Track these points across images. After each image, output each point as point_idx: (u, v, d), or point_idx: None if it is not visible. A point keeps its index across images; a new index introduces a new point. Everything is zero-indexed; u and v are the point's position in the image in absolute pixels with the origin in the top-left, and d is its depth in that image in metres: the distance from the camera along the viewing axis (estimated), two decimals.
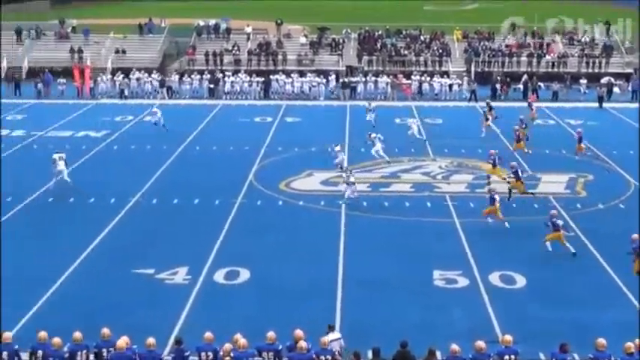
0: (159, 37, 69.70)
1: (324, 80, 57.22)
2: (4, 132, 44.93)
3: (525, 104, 49.44)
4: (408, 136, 41.93)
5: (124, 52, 66.43)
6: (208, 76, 58.20)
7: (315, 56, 64.73)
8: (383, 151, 38.00)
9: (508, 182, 32.08)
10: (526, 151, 39.09)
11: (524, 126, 41.45)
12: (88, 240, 27.46)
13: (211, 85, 56.92)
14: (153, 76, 57.93)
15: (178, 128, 45.15)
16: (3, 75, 62.63)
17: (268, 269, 25.07)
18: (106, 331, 17.48)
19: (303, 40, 67.09)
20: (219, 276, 24.55)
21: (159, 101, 54.75)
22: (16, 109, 52.24)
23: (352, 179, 31.63)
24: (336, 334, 17.99)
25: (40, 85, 56.44)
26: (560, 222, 26.53)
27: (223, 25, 69.74)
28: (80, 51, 65.59)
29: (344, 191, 31.59)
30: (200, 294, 23.30)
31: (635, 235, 23.80)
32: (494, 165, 34.14)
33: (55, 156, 34.15)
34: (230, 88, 56.98)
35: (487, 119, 44.28)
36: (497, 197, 29.00)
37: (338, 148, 36.68)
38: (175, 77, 58.68)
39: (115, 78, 57.72)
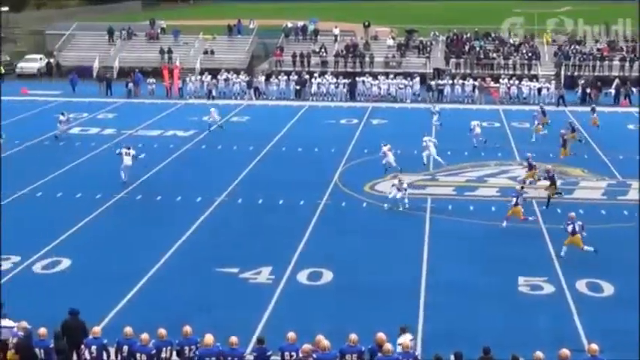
0: (247, 38, 70.35)
1: (411, 82, 56.97)
2: (95, 130, 45.88)
3: (588, 109, 48.21)
4: (471, 138, 41.61)
5: (212, 52, 67.25)
6: (295, 77, 58.50)
7: (402, 58, 64.56)
8: (436, 155, 37.64)
9: (545, 189, 31.86)
10: (569, 154, 38.62)
11: (571, 130, 40.85)
12: (173, 238, 27.86)
13: (297, 87, 57.18)
14: (241, 76, 58.44)
15: (265, 129, 45.51)
16: (95, 74, 64.02)
17: (351, 271, 25.06)
18: (187, 328, 17.70)
19: (390, 42, 66.95)
20: (303, 276, 24.63)
21: (246, 102, 55.30)
22: (106, 107, 53.34)
23: (405, 184, 31.49)
24: (408, 336, 17.88)
25: (130, 85, 57.48)
26: (577, 225, 26.02)
27: (311, 27, 70.05)
28: (170, 51, 66.65)
29: (393, 194, 31.38)
30: (283, 294, 23.41)
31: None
32: (530, 168, 34.06)
33: (123, 150, 34.95)
34: (316, 90, 57.17)
35: (539, 124, 43.62)
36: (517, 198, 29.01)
37: (386, 148, 36.47)
38: (262, 78, 59.12)
39: (203, 78, 58.42)
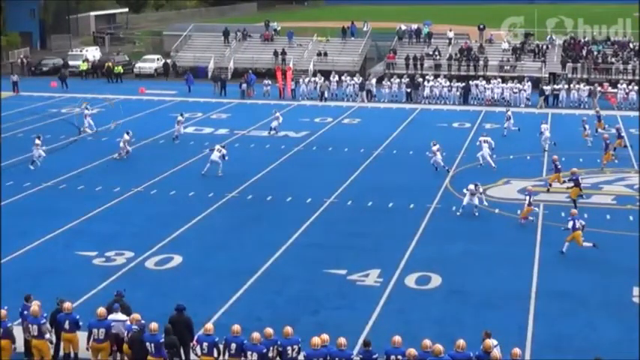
0: (361, 41, 70.46)
1: (525, 86, 56.11)
2: (209, 129, 46.65)
3: None
4: (541, 142, 40.97)
5: (325, 54, 67.63)
6: (407, 80, 58.32)
7: (517, 62, 63.67)
8: (490, 157, 37.69)
9: (567, 188, 32.15)
10: (612, 159, 37.82)
11: (617, 136, 39.98)
12: (283, 238, 28.12)
13: (409, 90, 56.98)
14: (354, 79, 58.57)
15: (376, 131, 45.53)
16: (210, 75, 65.14)
17: (460, 276, 24.84)
18: (288, 329, 17.85)
19: (505, 45, 66.11)
20: (411, 280, 24.53)
21: (358, 104, 55.41)
22: (220, 107, 54.21)
23: (481, 189, 31.12)
24: (493, 341, 17.62)
25: (244, 86, 58.25)
26: (579, 223, 26.54)
27: (425, 30, 69.75)
28: (283, 53, 67.29)
29: (467, 200, 30.95)
30: (391, 297, 23.36)
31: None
32: (556, 170, 33.96)
33: (216, 146, 36.34)
34: (429, 93, 56.86)
35: (585, 129, 42.41)
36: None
37: (435, 147, 36.81)
38: (374, 80, 59.10)
39: (316, 80, 58.76)
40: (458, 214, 30.92)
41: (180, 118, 44.30)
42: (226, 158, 36.70)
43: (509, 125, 44.89)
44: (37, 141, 38.16)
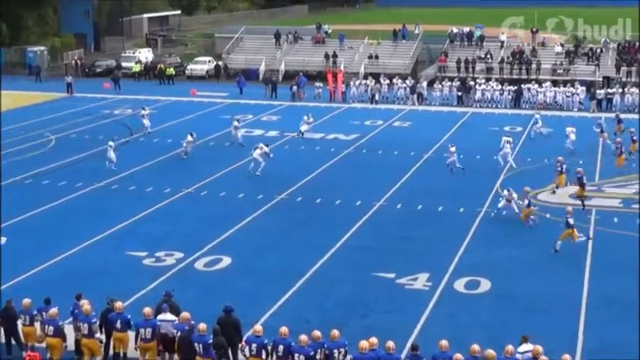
0: (412, 44, 70.30)
1: (578, 90, 55.52)
2: (259, 131, 46.85)
3: None
4: (568, 145, 40.72)
5: (376, 57, 67.59)
6: (458, 83, 58.05)
7: (570, 66, 63.04)
8: (510, 156, 38.18)
9: (577, 196, 32.37)
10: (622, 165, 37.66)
11: (631, 140, 39.68)
12: (332, 240, 28.14)
13: (460, 93, 56.70)
14: (405, 81, 58.43)
15: (426, 135, 45.39)
16: (261, 77, 65.41)
17: (510, 281, 24.68)
18: (335, 332, 17.86)
19: (558, 48, 65.50)
20: (460, 284, 24.42)
21: (409, 107, 55.28)
22: (271, 110, 54.42)
23: (514, 194, 30.77)
24: (529, 346, 17.46)
25: (294, 88, 58.39)
26: (571, 220, 27.18)
27: (477, 33, 69.36)
28: (334, 56, 67.37)
29: (502, 204, 30.87)
30: (439, 301, 23.28)
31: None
32: (561, 172, 34.20)
33: (260, 144, 37.29)
34: (480, 96, 56.50)
35: (602, 132, 42.28)
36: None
37: (453, 149, 37.41)
38: (425, 83, 58.89)
39: (367, 82, 58.70)
40: (492, 214, 30.91)
41: (236, 123, 44.40)
42: (270, 156, 36.96)
43: (537, 129, 44.88)
44: (111, 142, 38.52)
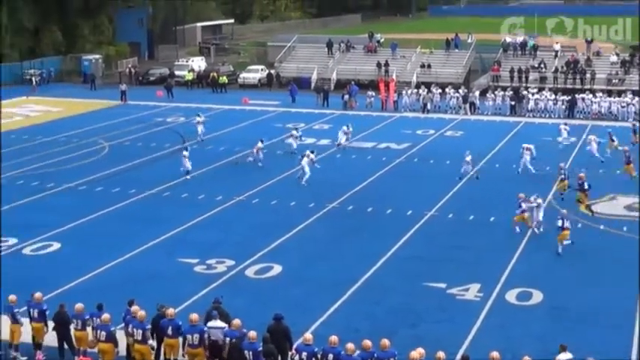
0: (465, 53, 70.03)
1: (633, 100, 54.78)
2: (311, 140, 46.91)
3: None
4: (587, 153, 40.86)
5: (429, 66, 67.42)
6: (511, 92, 57.63)
7: (625, 76, 62.27)
8: (530, 164, 38.56)
9: (578, 201, 32.78)
10: (634, 174, 37.36)
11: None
12: (383, 249, 28.07)
13: (513, 102, 56.27)
14: (458, 91, 58.16)
15: (478, 144, 45.05)
16: (312, 86, 65.55)
17: (563, 292, 24.40)
18: (385, 342, 17.79)
19: (614, 58, 64.76)
20: (511, 295, 24.20)
21: (461, 116, 55.00)
22: (323, 118, 54.48)
23: (540, 200, 30.56)
24: (567, 355, 17.22)
25: (346, 97, 58.40)
26: (567, 221, 28.03)
27: (531, 42, 68.85)
28: (386, 64, 67.32)
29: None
30: (491, 312, 23.10)
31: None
32: (563, 179, 34.92)
33: (307, 151, 37.74)
34: (534, 106, 56.02)
35: (614, 141, 42.11)
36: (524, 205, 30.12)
37: (469, 158, 37.91)
38: (478, 93, 58.55)
39: (419, 92, 58.54)
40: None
41: (294, 132, 44.48)
42: (316, 165, 37.05)
43: (564, 140, 44.88)
44: (185, 152, 38.71)
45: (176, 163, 40.17)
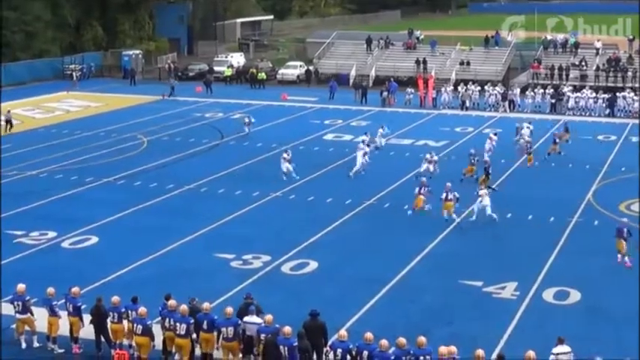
0: (504, 50, 69.55)
1: None
2: (348, 137, 46.91)
3: None
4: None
5: (468, 63, 67.09)
6: (551, 90, 57.20)
7: None
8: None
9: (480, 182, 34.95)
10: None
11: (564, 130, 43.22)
12: (419, 246, 28.03)
13: (553, 100, 55.85)
14: (497, 88, 57.83)
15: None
16: (351, 82, 65.48)
17: (601, 292, 24.22)
18: (422, 339, 17.78)
19: None
20: (549, 295, 24.06)
21: (500, 114, 54.70)
22: (361, 115, 54.43)
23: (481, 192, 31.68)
24: (565, 348, 17.12)
25: (384, 94, 58.27)
26: (452, 194, 30.85)
27: (572, 40, 68.24)
28: (425, 61, 67.09)
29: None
30: (527, 311, 22.99)
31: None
32: (473, 164, 37.46)
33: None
34: (574, 104, 55.58)
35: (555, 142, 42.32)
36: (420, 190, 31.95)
37: (429, 156, 38.17)
38: (517, 90, 58.16)
39: (458, 89, 58.28)
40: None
41: (381, 130, 44.03)
42: (366, 158, 37.96)
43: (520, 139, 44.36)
44: (285, 155, 37.59)
45: (214, 158, 40.41)
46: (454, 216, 30.84)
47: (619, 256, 26.77)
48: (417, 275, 25.77)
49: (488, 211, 30.77)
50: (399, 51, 72.22)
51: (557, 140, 42.21)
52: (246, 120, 47.29)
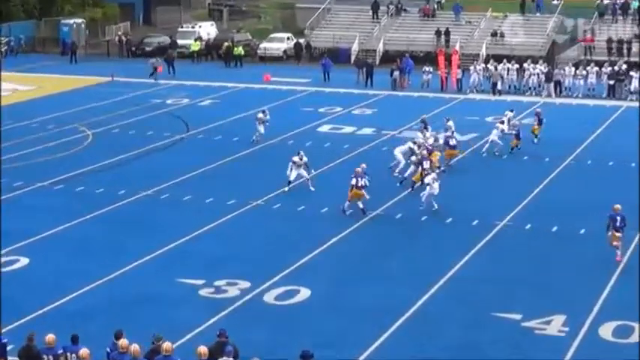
0: (548, 18, 69.61)
1: None
2: (350, 129, 46.88)
3: None
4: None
5: (502, 35, 67.15)
6: (609, 69, 57.25)
7: None
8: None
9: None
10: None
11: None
12: (442, 268, 28.01)
13: (612, 82, 55.90)
14: (538, 67, 57.83)
15: (566, 135, 44.87)
16: (353, 60, 65.44)
17: None
18: None
19: None
20: (606, 331, 24.05)
21: (543, 99, 54.74)
22: (365, 101, 54.48)
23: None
24: None
25: (396, 74, 58.19)
26: (363, 180, 32.81)
27: (635, 3, 68.21)
28: (447, 33, 67.09)
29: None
30: (580, 351, 22.97)
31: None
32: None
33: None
34: (638, 87, 55.63)
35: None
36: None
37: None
38: (566, 70, 58.17)
39: (489, 67, 58.24)
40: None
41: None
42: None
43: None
44: (295, 158, 36.49)
45: (178, 157, 40.37)
46: (360, 204, 32.80)
47: (618, 252, 28.24)
48: (438, 304, 25.73)
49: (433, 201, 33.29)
50: (414, 19, 72.32)
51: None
52: (260, 116, 44.31)
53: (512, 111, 45.25)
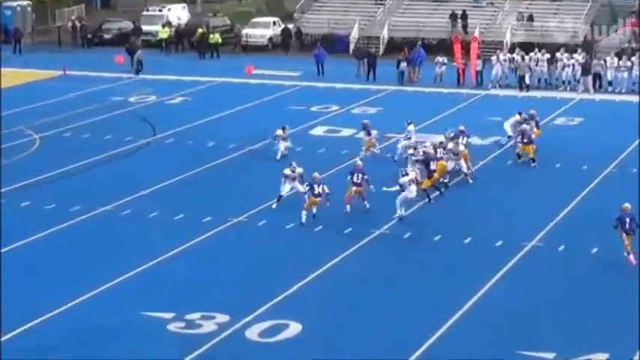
0: None
1: None
2: (348, 131, 46.91)
3: None
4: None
5: (530, 18, 67.26)
6: None
7: None
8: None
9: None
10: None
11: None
12: (457, 298, 27.99)
13: None
14: (575, 56, 57.87)
15: (606, 138, 44.93)
16: (351, 49, 65.47)
17: None
18: None
19: None
20: None
21: (579, 95, 54.83)
22: (366, 98, 54.56)
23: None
24: None
25: (403, 65, 58.30)
26: (361, 176, 35.51)
27: None
28: (465, 16, 67.20)
29: None
30: None
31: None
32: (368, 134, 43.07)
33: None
34: None
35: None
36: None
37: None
38: (607, 60, 58.22)
39: (515, 57, 58.31)
40: None
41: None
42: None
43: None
44: (287, 171, 36.61)
45: (142, 164, 40.42)
46: (305, 215, 34.18)
47: (631, 257, 29.25)
48: (455, 341, 25.75)
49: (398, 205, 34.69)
50: (425, 0, 72.36)
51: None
52: (280, 132, 42.93)
53: (520, 114, 44.91)
